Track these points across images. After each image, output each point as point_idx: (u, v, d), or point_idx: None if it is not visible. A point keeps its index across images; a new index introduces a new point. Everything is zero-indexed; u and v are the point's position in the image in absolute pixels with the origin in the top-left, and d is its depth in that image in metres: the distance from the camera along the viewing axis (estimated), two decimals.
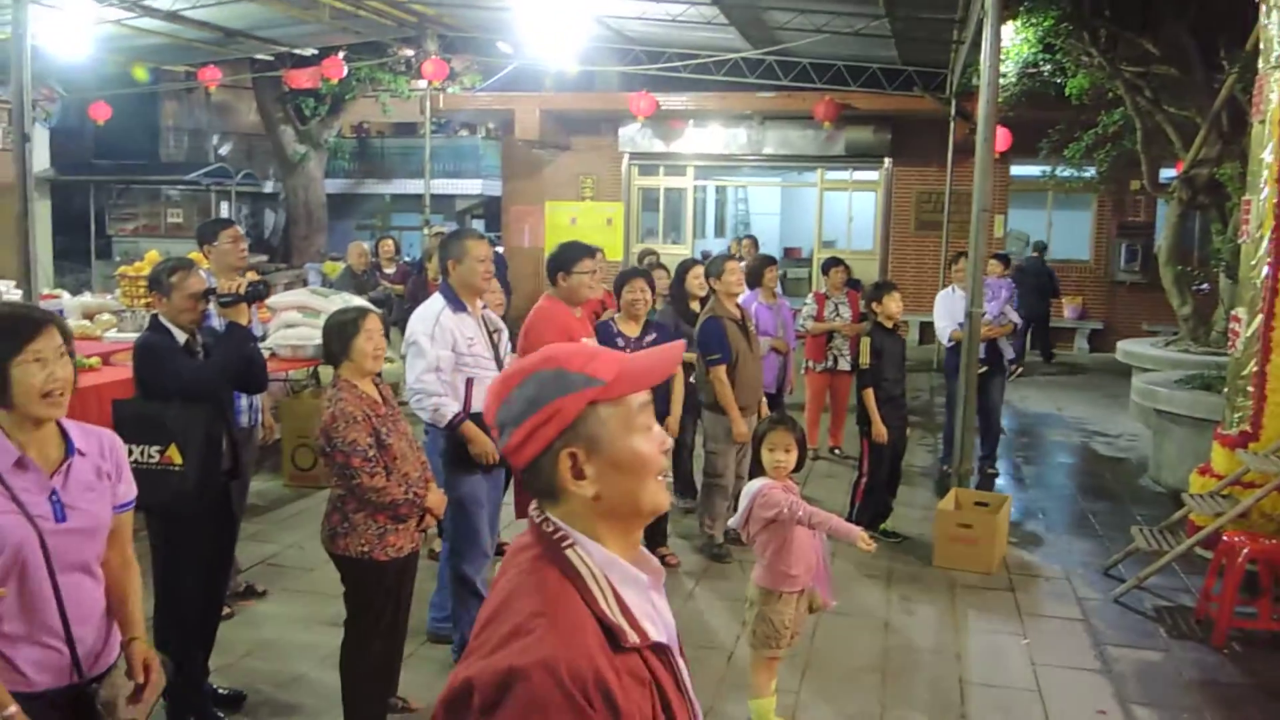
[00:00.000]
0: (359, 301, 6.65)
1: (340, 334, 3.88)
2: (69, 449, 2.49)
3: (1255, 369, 6.33)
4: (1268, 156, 6.24)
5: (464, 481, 4.59)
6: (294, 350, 7.27)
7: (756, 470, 4.17)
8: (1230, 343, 6.75)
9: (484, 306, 4.81)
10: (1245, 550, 5.33)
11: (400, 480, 3.84)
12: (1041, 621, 5.54)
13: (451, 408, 4.49)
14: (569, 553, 1.44)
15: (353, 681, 3.95)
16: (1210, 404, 7.57)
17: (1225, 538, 5.55)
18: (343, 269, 11.07)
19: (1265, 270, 6.25)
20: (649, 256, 9.77)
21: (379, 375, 4.01)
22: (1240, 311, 6.54)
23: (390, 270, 11.04)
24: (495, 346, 4.71)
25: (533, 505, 1.52)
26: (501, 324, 4.90)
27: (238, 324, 4.27)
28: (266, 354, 7.32)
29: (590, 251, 5.31)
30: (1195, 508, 6.13)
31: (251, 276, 4.92)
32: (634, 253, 15.39)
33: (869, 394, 6.48)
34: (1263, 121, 6.32)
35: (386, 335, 4.13)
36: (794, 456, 4.10)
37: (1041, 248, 15.53)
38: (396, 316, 9.85)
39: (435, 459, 4.51)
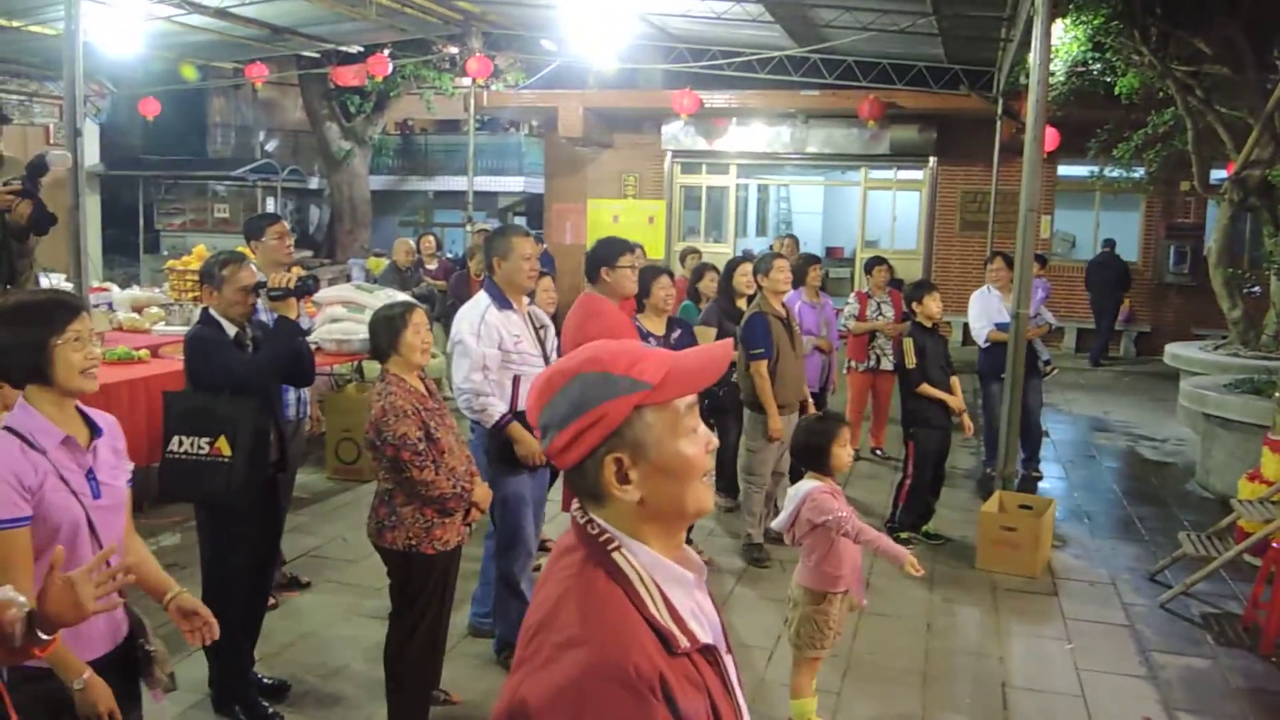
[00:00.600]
0: (403, 297, 6.72)
1: (388, 328, 3.91)
2: (95, 430, 2.61)
3: None
4: None
5: (510, 480, 4.59)
6: (339, 344, 7.34)
7: (800, 470, 4.15)
8: (1276, 342, 6.63)
9: (530, 303, 4.81)
10: None
11: (448, 474, 3.86)
12: (1086, 626, 5.47)
13: (499, 408, 4.50)
14: (615, 555, 1.42)
15: (396, 674, 3.99)
16: (1261, 409, 7.45)
17: (1275, 545, 5.45)
18: (387, 265, 11.16)
19: None
20: (691, 255, 9.78)
21: (423, 370, 4.04)
22: None
23: (432, 266, 11.11)
24: (542, 343, 4.70)
25: (575, 506, 1.50)
26: (547, 320, 4.89)
27: (287, 318, 4.32)
28: (312, 348, 7.44)
29: (630, 246, 5.31)
30: (1244, 514, 6.03)
31: (298, 271, 4.97)
32: (675, 251, 15.37)
33: (925, 387, 6.45)
34: None
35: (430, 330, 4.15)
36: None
37: (1111, 243, 15.51)
38: (439, 312, 9.92)
39: (481, 456, 4.53)
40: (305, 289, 4.42)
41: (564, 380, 1.44)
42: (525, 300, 4.75)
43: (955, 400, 6.48)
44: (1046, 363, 8.32)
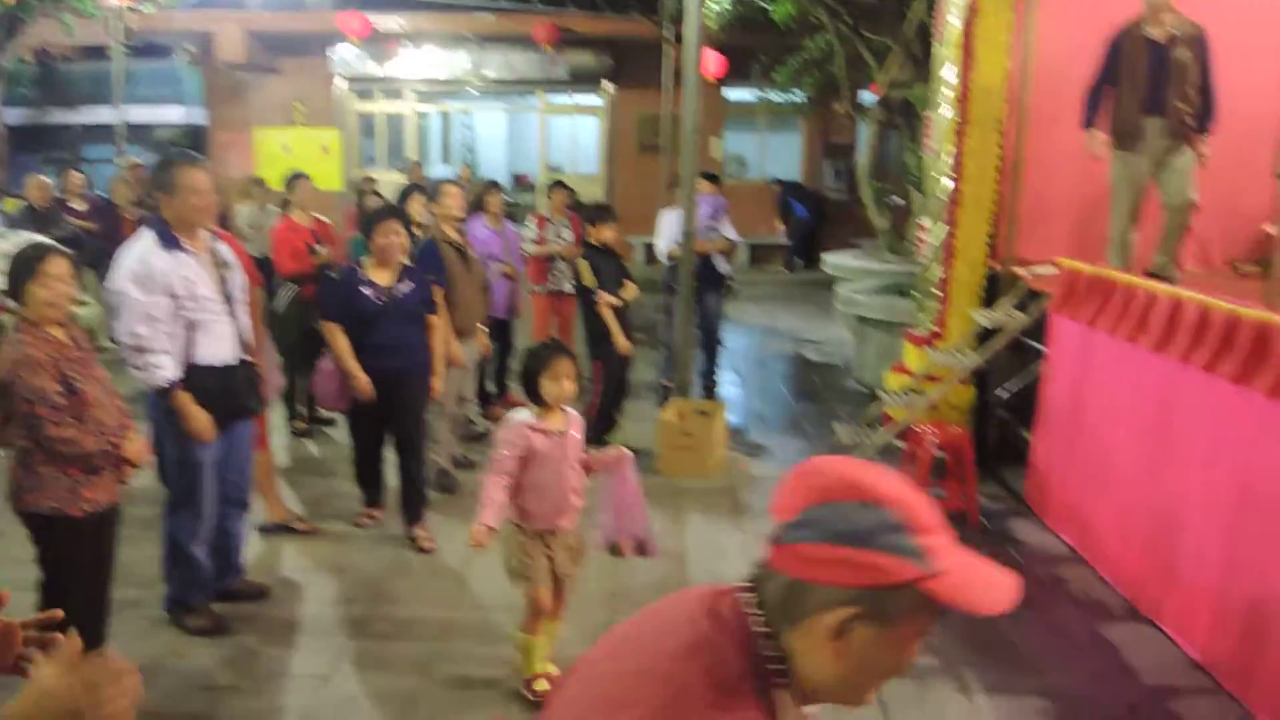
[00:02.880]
0: (41, 239, 6.09)
1: (16, 277, 3.54)
2: None
3: (941, 275, 6.89)
4: (948, 76, 6.75)
5: (184, 442, 4.22)
6: None
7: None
8: (917, 250, 7.31)
9: (213, 239, 4.34)
10: (934, 438, 5.86)
11: (94, 429, 3.57)
12: (758, 518, 5.89)
13: (164, 370, 4.07)
14: (774, 691, 1.23)
15: None
16: (903, 308, 8.19)
17: (916, 428, 6.06)
18: (23, 206, 10.07)
19: (947, 183, 6.78)
20: (368, 184, 9.50)
21: (71, 317, 3.68)
22: (926, 221, 7.09)
23: (80, 206, 10.14)
24: (224, 283, 4.29)
25: (741, 593, 1.30)
26: (232, 258, 4.42)
27: None
28: None
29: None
30: (890, 402, 6.66)
31: None
32: (352, 181, 14.87)
33: (606, 311, 6.59)
34: (943, 44, 6.81)
35: (78, 276, 3.75)
36: (574, 386, 3.89)
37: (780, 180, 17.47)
38: (89, 257, 9.11)
39: (156, 412, 4.20)
40: None
41: (858, 497, 1.22)
42: (204, 235, 4.26)
43: (619, 340, 6.65)
44: (728, 278, 8.72)
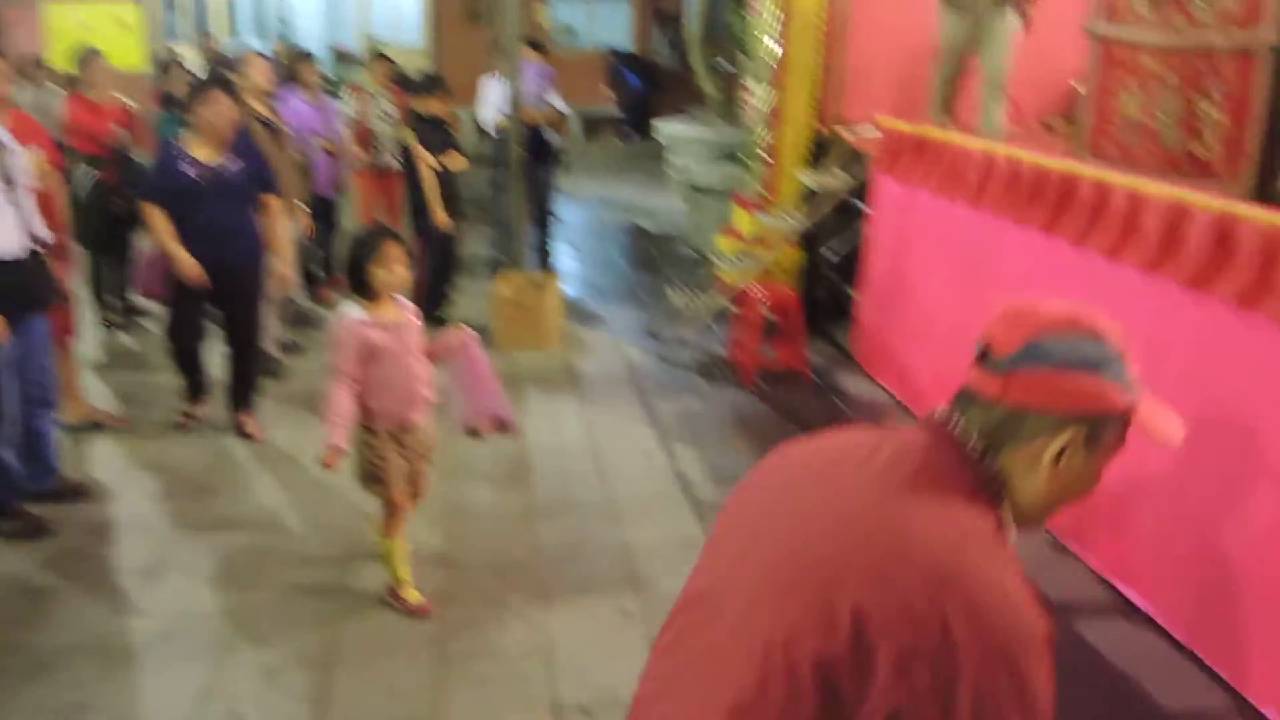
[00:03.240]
0: None
1: None
2: None
3: (768, 138, 6.93)
4: None
5: None
6: None
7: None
8: (744, 113, 7.32)
9: None
10: (764, 300, 5.98)
11: None
12: (594, 385, 5.96)
13: None
14: (999, 511, 1.28)
15: None
16: (735, 175, 8.22)
17: (747, 290, 6.16)
18: None
19: (772, 46, 6.75)
20: (173, 60, 8.91)
21: None
22: (751, 83, 7.08)
23: None
24: (4, 167, 3.96)
25: (953, 415, 1.35)
26: (9, 140, 4.07)
27: None
28: None
29: None
30: (721, 267, 6.74)
31: None
32: (157, 57, 13.89)
33: (426, 175, 6.40)
34: None
35: None
36: (406, 272, 3.61)
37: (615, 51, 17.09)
38: None
39: None
40: None
41: (1079, 330, 1.29)
42: None
43: (438, 216, 6.56)
44: (558, 149, 8.53)
